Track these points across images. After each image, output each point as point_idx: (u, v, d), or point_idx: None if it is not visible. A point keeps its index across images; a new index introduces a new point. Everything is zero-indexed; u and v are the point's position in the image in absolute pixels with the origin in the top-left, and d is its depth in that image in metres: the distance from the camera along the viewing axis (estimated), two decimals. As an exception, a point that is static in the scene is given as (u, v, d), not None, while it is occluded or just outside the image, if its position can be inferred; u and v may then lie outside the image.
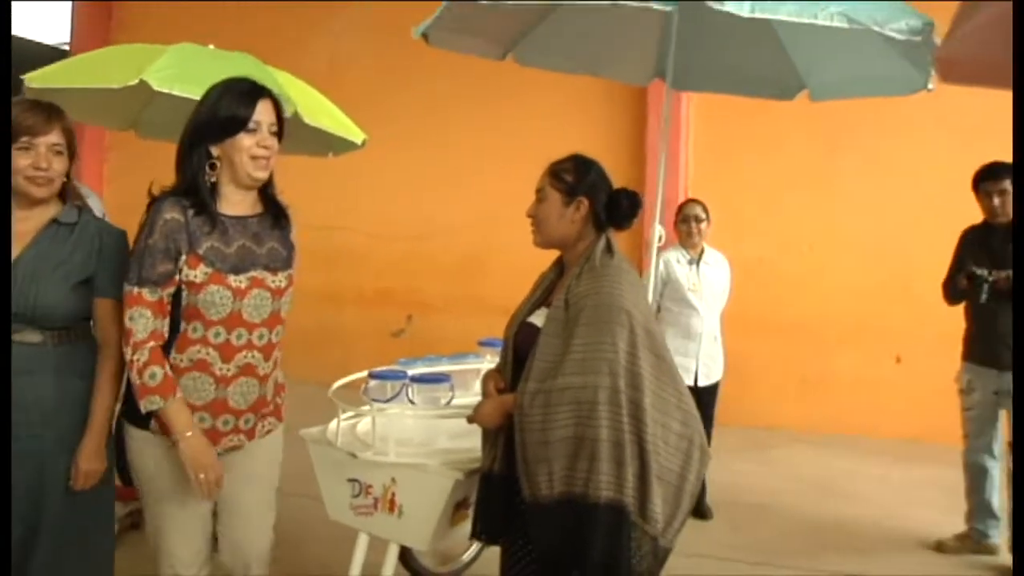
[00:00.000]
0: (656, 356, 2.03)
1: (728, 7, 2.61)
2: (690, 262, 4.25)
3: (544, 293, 2.24)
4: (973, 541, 3.82)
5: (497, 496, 2.14)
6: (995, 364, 3.63)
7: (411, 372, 2.73)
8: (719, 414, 4.29)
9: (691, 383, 4.03)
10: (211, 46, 3.70)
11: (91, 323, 2.16)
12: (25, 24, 8.24)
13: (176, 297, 2.02)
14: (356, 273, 7.39)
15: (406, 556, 2.96)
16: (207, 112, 2.06)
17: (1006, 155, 3.38)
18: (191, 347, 2.02)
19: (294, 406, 2.34)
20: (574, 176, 2.17)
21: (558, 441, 1.95)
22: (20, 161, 2.04)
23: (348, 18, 7.35)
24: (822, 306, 6.07)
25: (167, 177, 2.10)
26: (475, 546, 3.29)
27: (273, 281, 2.10)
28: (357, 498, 2.51)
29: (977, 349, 3.76)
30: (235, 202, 2.10)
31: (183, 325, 2.03)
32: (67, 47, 8.45)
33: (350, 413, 2.62)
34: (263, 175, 2.10)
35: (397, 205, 7.26)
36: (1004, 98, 1.65)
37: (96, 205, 3.05)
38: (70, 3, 8.54)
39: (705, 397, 4.06)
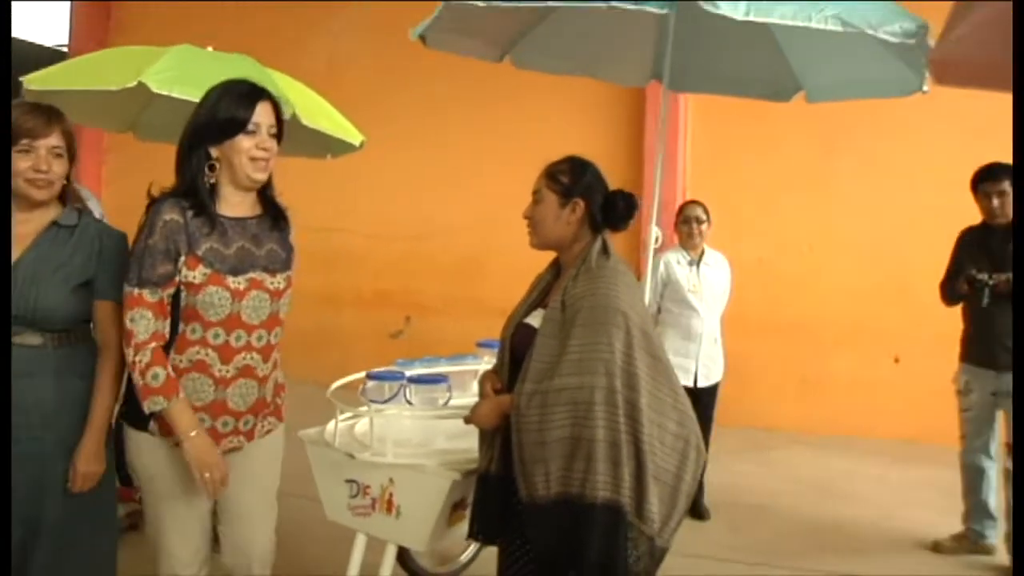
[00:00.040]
0: (652, 357, 2.04)
1: (723, 9, 2.62)
2: (690, 263, 4.25)
3: (540, 294, 2.25)
4: (970, 541, 3.83)
5: (494, 496, 2.14)
6: (993, 365, 3.64)
7: (409, 373, 2.74)
8: (718, 415, 4.30)
9: (691, 384, 4.03)
10: (210, 47, 3.71)
11: (91, 325, 2.17)
12: (24, 25, 8.23)
13: (175, 298, 2.02)
14: (354, 274, 7.39)
15: (404, 556, 2.96)
16: (206, 114, 2.07)
17: (1002, 156, 3.42)
18: (190, 348, 2.03)
19: (292, 407, 2.34)
20: (570, 177, 2.18)
21: (555, 441, 1.96)
22: (20, 163, 2.04)
23: (347, 19, 7.35)
24: (820, 307, 6.07)
25: (166, 179, 2.11)
26: (473, 546, 3.30)
27: (272, 283, 2.10)
28: (355, 499, 2.51)
29: (975, 350, 3.77)
30: (234, 203, 2.11)
31: (182, 326, 2.03)
32: (65, 49, 8.46)
33: (348, 414, 2.62)
34: (262, 177, 2.10)
35: (395, 206, 7.26)
36: (1000, 99, 1.65)
37: (95, 207, 3.05)
38: (68, 4, 8.53)
39: (705, 398, 4.08)
